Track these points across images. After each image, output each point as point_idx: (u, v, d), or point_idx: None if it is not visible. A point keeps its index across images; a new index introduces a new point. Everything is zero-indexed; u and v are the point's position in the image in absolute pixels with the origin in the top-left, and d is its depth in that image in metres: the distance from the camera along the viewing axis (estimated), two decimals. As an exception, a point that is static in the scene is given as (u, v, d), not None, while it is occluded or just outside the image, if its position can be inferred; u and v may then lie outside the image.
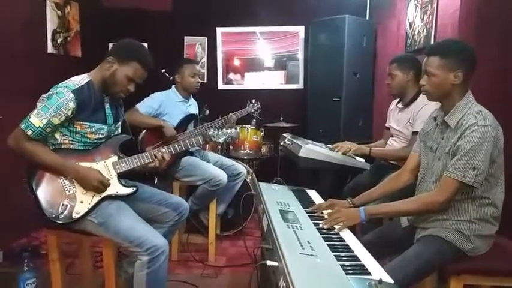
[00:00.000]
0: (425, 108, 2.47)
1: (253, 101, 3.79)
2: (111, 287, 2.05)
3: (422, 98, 2.56)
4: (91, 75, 2.04)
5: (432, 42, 2.96)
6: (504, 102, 2.23)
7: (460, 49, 1.78)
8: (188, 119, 3.20)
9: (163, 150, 2.20)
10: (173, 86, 3.28)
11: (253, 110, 3.77)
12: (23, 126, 1.88)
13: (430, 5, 3.04)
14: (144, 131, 3.03)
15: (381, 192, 2.07)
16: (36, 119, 1.87)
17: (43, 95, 1.94)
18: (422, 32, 3.16)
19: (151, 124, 3.03)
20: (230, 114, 3.45)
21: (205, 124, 3.29)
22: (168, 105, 3.15)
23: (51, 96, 1.90)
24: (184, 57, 4.74)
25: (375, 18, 4.42)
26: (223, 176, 3.05)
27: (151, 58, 2.11)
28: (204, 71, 4.81)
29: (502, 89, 2.30)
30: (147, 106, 3.09)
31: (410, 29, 3.43)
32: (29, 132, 1.87)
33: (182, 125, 3.15)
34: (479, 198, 1.73)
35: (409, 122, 2.63)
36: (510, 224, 1.84)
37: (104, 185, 1.99)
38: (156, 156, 2.15)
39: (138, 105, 3.08)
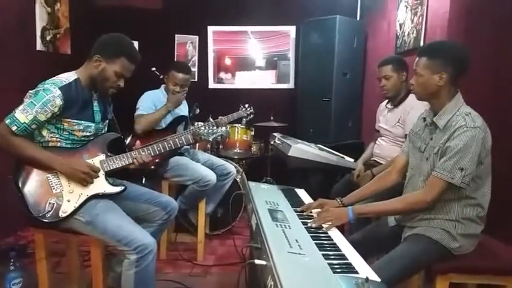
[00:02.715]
0: (414, 110, 2.49)
1: (247, 105, 3.78)
2: (99, 286, 2.03)
3: (411, 98, 2.59)
4: (78, 72, 2.03)
5: (422, 43, 2.98)
6: (493, 103, 2.26)
7: (447, 51, 1.80)
8: (177, 120, 3.17)
9: (143, 153, 2.16)
10: (162, 86, 3.25)
11: (245, 115, 3.75)
12: (7, 121, 1.86)
13: (420, 7, 3.07)
14: (131, 136, 3.01)
15: (370, 191, 2.08)
16: (22, 115, 1.85)
17: (30, 91, 1.92)
18: (412, 33, 3.18)
19: (161, 115, 3.02)
20: (220, 117, 3.43)
21: (195, 125, 3.28)
22: (157, 105, 3.12)
23: (38, 92, 1.88)
24: (175, 58, 4.72)
25: (366, 19, 4.45)
26: (212, 177, 3.04)
27: (137, 51, 2.11)
28: (195, 69, 4.79)
29: (491, 90, 2.33)
30: (147, 107, 3.05)
31: (400, 30, 3.46)
32: (14, 128, 1.85)
33: (171, 127, 3.11)
34: (465, 199, 1.74)
35: (398, 122, 2.65)
36: (495, 223, 1.86)
37: (93, 170, 1.98)
38: (136, 159, 2.13)
39: (140, 111, 3.03)
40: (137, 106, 3.09)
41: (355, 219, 1.82)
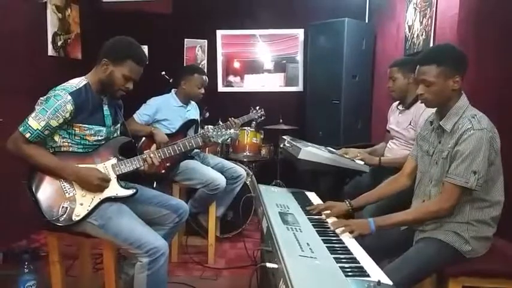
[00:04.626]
0: (427, 111, 2.47)
1: (257, 107, 3.80)
2: (111, 289, 2.05)
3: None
4: (88, 77, 2.06)
5: (431, 45, 2.97)
6: (502, 105, 2.24)
7: (455, 54, 1.79)
8: (188, 124, 3.20)
9: (151, 154, 2.17)
10: (173, 91, 3.27)
11: (256, 117, 3.78)
12: (21, 129, 1.89)
13: (429, 8, 3.05)
14: (144, 138, 3.04)
15: (378, 195, 2.09)
16: (34, 122, 1.88)
17: (41, 98, 1.96)
18: (421, 35, 3.17)
19: (143, 131, 3.05)
20: (233, 119, 3.45)
21: (205, 129, 3.30)
22: (166, 111, 3.15)
23: (49, 98, 1.91)
24: (185, 63, 4.76)
25: (374, 21, 4.44)
26: (221, 180, 3.05)
27: (144, 53, 2.13)
28: (204, 73, 4.81)
29: (500, 92, 2.31)
30: (142, 115, 3.12)
31: (409, 32, 3.45)
32: (27, 135, 1.88)
33: (182, 131, 3.15)
34: (477, 201, 1.74)
35: (410, 124, 2.63)
36: (508, 226, 1.85)
37: (105, 181, 2.00)
38: (146, 160, 2.14)
39: (135, 115, 3.11)
40: (138, 110, 3.13)
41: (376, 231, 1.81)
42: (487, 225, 1.76)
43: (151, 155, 2.16)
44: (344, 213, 1.98)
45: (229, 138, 2.64)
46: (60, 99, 1.90)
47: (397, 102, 2.84)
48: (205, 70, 4.77)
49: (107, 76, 2.02)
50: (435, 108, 1.90)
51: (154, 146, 2.42)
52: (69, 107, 1.91)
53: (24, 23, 3.41)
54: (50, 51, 3.75)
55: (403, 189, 2.05)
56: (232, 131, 2.63)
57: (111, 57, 2.01)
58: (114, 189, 2.04)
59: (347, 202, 2.03)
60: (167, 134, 3.07)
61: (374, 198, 2.09)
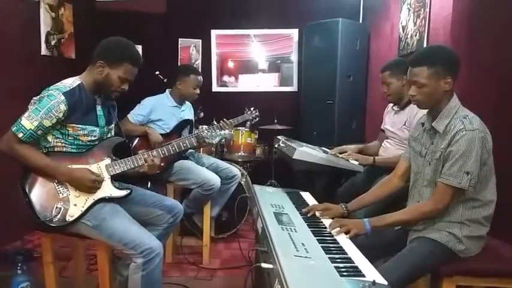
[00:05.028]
0: (420, 112, 2.48)
1: (252, 108, 3.80)
2: (105, 290, 2.04)
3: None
4: (82, 77, 2.05)
5: (425, 45, 2.98)
6: (496, 105, 2.26)
7: (446, 56, 1.80)
8: (182, 124, 3.19)
9: (154, 153, 2.19)
10: (167, 90, 3.26)
11: (250, 118, 3.78)
12: (14, 129, 1.88)
13: (422, 9, 3.07)
14: (138, 138, 3.03)
15: (373, 197, 2.09)
16: (27, 122, 1.87)
17: (34, 98, 1.94)
18: (415, 35, 3.18)
19: (137, 131, 3.05)
20: (225, 120, 3.44)
21: (199, 129, 3.30)
22: (160, 110, 3.14)
23: (42, 98, 1.90)
24: (179, 62, 4.76)
25: (369, 22, 4.45)
26: (216, 181, 3.05)
27: (140, 54, 2.12)
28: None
29: (494, 93, 2.32)
30: (137, 115, 3.11)
31: (403, 32, 3.46)
32: (20, 135, 1.87)
33: (176, 131, 3.14)
34: (470, 200, 1.75)
35: (404, 124, 2.64)
36: (501, 225, 1.86)
37: (98, 182, 1.99)
38: (146, 160, 2.15)
39: (129, 115, 3.11)
40: (132, 111, 3.13)
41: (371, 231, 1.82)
42: (480, 224, 1.77)
43: (146, 156, 2.15)
44: (339, 216, 1.98)
45: (224, 139, 2.64)
46: (54, 99, 1.89)
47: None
48: (200, 70, 4.78)
49: (103, 78, 2.01)
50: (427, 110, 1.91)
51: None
52: (63, 107, 1.90)
53: (16, 22, 3.38)
54: (44, 51, 3.72)
55: (396, 190, 2.06)
56: (226, 131, 2.63)
57: (106, 59, 2.00)
58: (108, 189, 2.03)
59: (343, 206, 2.03)
60: (161, 134, 3.06)
61: (368, 201, 2.09)
